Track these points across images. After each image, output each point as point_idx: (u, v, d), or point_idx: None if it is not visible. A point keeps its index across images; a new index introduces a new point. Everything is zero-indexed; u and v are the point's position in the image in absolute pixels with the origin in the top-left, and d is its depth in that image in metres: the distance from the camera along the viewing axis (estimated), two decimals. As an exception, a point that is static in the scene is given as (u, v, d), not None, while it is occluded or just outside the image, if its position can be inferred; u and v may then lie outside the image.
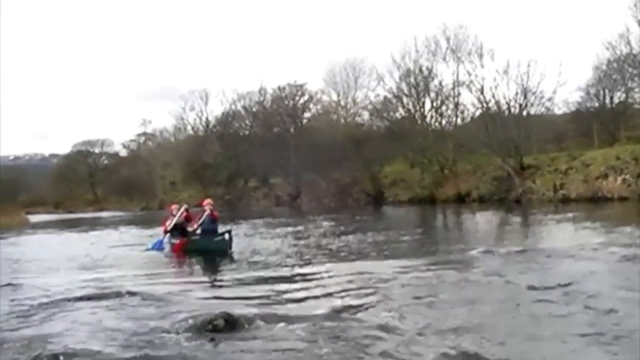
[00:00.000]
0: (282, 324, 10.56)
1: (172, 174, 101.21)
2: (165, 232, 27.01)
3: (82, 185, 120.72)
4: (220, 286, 16.45)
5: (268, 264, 20.34)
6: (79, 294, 14.30)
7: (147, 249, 26.60)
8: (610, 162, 51.71)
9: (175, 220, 26.96)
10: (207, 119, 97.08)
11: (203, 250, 24.42)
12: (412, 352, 8.78)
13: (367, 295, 13.22)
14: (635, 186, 48.62)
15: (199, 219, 26.33)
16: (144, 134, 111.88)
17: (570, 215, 36.18)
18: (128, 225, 50.64)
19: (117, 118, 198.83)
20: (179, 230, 26.76)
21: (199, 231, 26.26)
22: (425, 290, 13.36)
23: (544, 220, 34.65)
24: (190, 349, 9.25)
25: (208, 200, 26.98)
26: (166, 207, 28.59)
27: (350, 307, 11.99)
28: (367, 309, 11.79)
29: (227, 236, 24.64)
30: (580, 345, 8.94)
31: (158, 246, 26.65)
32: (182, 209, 27.55)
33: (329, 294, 13.62)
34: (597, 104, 67.11)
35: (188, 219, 27.21)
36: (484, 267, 16.72)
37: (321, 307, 12.01)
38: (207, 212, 26.03)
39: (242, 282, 16.60)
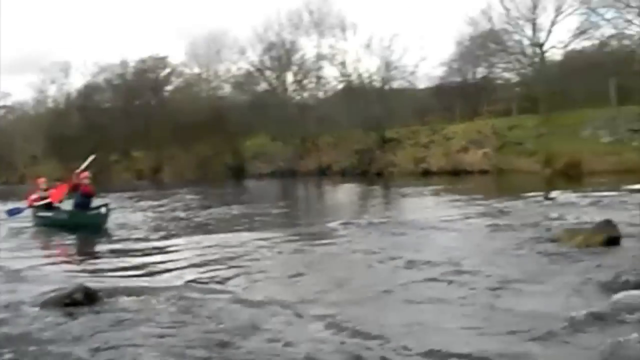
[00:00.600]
0: (141, 296, 10.50)
1: (33, 148, 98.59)
2: (30, 205, 25.18)
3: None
4: (81, 260, 16.12)
5: (130, 237, 19.99)
6: None
7: (6, 212, 25.75)
8: (471, 136, 52.14)
9: (43, 197, 24.82)
10: (68, 91, 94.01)
11: (75, 225, 21.89)
12: (266, 323, 8.76)
13: (227, 267, 13.27)
14: (494, 159, 48.92)
15: (65, 191, 24.59)
16: (4, 106, 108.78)
17: (430, 188, 36.37)
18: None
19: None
20: (46, 204, 24.68)
21: (69, 207, 23.91)
22: (285, 263, 13.62)
23: (405, 193, 34.92)
24: (47, 323, 9.03)
25: (85, 174, 23.63)
26: (32, 181, 26.46)
27: (210, 278, 12.10)
28: (226, 280, 11.88)
29: (103, 210, 22.50)
30: (435, 313, 9.02)
31: (16, 212, 25.37)
32: (51, 190, 25.30)
33: (190, 266, 13.68)
34: (459, 79, 67.42)
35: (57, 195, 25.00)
36: (344, 238, 16.84)
37: (181, 279, 12.11)
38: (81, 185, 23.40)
39: (104, 256, 16.55)
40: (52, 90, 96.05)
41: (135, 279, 12.45)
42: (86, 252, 17.79)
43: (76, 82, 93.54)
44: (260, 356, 7.45)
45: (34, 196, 25.36)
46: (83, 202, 23.30)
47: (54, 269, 13.91)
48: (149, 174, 76.82)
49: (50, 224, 23.32)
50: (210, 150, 69.50)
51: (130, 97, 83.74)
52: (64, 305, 9.76)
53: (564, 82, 51.94)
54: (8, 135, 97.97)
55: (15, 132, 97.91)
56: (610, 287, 9.70)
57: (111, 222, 23.04)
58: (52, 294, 10.28)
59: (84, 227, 21.46)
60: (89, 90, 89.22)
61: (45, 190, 25.47)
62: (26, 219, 24.71)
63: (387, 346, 7.64)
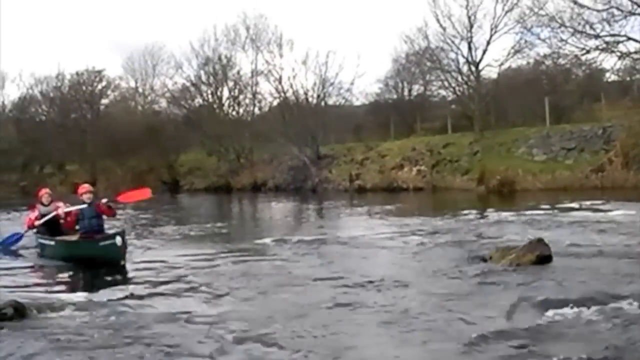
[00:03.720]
0: (70, 312, 10.55)
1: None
2: (31, 227, 19.64)
3: None
4: (17, 274, 15.82)
5: None
6: None
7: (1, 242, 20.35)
8: (406, 153, 51.90)
9: (50, 215, 19.11)
10: (2, 103, 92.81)
11: (82, 258, 16.67)
12: (192, 341, 8.85)
13: (157, 285, 13.31)
14: (429, 177, 48.77)
15: (72, 213, 18.45)
16: None
17: (365, 205, 36.39)
18: None
19: None
20: (50, 226, 19.24)
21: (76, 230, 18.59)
22: (216, 280, 13.40)
23: (339, 209, 34.98)
24: None
25: (86, 186, 18.94)
26: (36, 193, 21.02)
27: (141, 296, 12.13)
28: (155, 298, 11.93)
29: (118, 240, 16.40)
30: (364, 331, 9.11)
31: (12, 240, 20.26)
32: (62, 207, 19.12)
33: (121, 282, 13.80)
34: (395, 96, 67.41)
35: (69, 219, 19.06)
36: (276, 256, 16.85)
37: (114, 295, 12.10)
38: (86, 202, 18.26)
39: (40, 271, 16.90)
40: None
41: (63, 294, 12.46)
42: (22, 266, 17.40)
43: (11, 93, 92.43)
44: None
45: (33, 214, 19.93)
46: (95, 225, 18.16)
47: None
48: (83, 187, 76.10)
49: (53, 256, 18.16)
50: (145, 164, 69.21)
51: (65, 110, 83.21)
52: (-7, 321, 9.74)
53: (499, 100, 52.30)
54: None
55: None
56: (540, 306, 9.82)
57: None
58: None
59: (95, 262, 16.16)
60: (24, 102, 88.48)
61: (48, 205, 19.81)
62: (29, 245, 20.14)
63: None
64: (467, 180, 45.25)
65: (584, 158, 40.92)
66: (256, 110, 70.22)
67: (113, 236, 16.68)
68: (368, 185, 52.18)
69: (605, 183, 38.05)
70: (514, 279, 12.04)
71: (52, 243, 18.33)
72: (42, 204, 19.81)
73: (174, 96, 75.29)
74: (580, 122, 45.84)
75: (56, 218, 19.11)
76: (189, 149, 71.15)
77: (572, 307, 9.55)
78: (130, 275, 14.68)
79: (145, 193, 19.81)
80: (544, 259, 13.53)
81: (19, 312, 10.12)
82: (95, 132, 74.46)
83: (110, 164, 71.87)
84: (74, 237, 18.18)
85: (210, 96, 70.84)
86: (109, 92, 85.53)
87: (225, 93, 69.83)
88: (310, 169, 57.08)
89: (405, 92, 66.61)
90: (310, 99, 62.16)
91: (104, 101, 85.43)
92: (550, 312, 9.34)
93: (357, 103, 69.36)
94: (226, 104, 70.20)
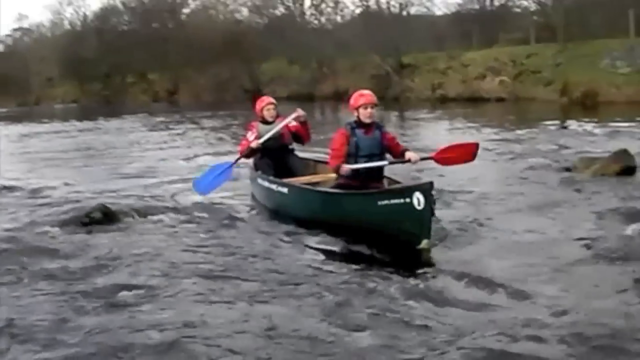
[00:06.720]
0: (158, 217, 10.72)
1: (49, 70, 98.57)
2: (247, 153, 12.58)
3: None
4: (106, 181, 15.84)
5: (144, 157, 20.39)
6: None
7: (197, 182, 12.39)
8: (489, 63, 51.31)
9: (273, 132, 12.39)
10: (84, 14, 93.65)
11: (343, 224, 9.52)
12: (276, 249, 9.19)
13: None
14: (512, 87, 48.26)
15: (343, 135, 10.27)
16: (20, 29, 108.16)
17: (447, 114, 36.58)
18: (6, 121, 49.06)
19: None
20: (276, 160, 12.65)
21: (345, 172, 10.05)
22: None
23: (422, 118, 34.97)
24: (66, 240, 9.35)
25: (367, 94, 10.67)
26: (252, 104, 13.77)
27: (226, 198, 12.51)
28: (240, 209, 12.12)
29: (418, 199, 8.61)
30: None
31: (215, 175, 12.09)
32: (292, 116, 12.76)
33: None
34: (477, 6, 66.38)
35: (301, 133, 13.17)
36: None
37: (192, 199, 12.24)
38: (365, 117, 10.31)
39: (122, 176, 16.62)
40: (68, 12, 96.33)
41: (149, 199, 12.50)
42: (113, 173, 17.53)
43: (93, 4, 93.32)
44: (265, 278, 7.65)
45: (251, 134, 12.63)
46: (374, 168, 10.38)
47: (69, 190, 13.96)
48: (164, 96, 77.15)
49: (284, 209, 11.18)
50: (227, 73, 69.25)
51: (147, 20, 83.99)
52: (82, 224, 10.05)
53: (582, 11, 51.48)
54: (24, 58, 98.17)
55: (32, 55, 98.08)
56: (627, 216, 9.77)
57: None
58: (71, 214, 10.51)
59: (369, 233, 9.17)
60: (105, 13, 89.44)
61: (273, 122, 12.82)
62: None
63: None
64: (550, 91, 44.80)
65: (670, 70, 40.29)
66: (338, 19, 70.15)
67: (408, 191, 8.94)
68: (450, 94, 51.94)
69: (692, 95, 37.51)
70: (599, 189, 11.94)
71: (284, 190, 11.06)
72: (264, 121, 12.93)
73: (255, 5, 75.38)
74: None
75: (283, 141, 12.84)
76: (270, 58, 70.96)
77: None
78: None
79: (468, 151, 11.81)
80: (629, 170, 13.41)
81: (108, 216, 10.38)
82: (177, 42, 75.12)
83: (191, 73, 72.53)
84: (326, 185, 11.02)
85: (291, 4, 70.73)
86: (189, 1, 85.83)
87: (307, 1, 69.71)
88: (392, 77, 57.06)
89: (487, 2, 65.92)
90: (392, 8, 62.00)
91: (185, 10, 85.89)
92: (636, 224, 9.13)
93: (439, 13, 69.05)
94: (308, 13, 70.17)
